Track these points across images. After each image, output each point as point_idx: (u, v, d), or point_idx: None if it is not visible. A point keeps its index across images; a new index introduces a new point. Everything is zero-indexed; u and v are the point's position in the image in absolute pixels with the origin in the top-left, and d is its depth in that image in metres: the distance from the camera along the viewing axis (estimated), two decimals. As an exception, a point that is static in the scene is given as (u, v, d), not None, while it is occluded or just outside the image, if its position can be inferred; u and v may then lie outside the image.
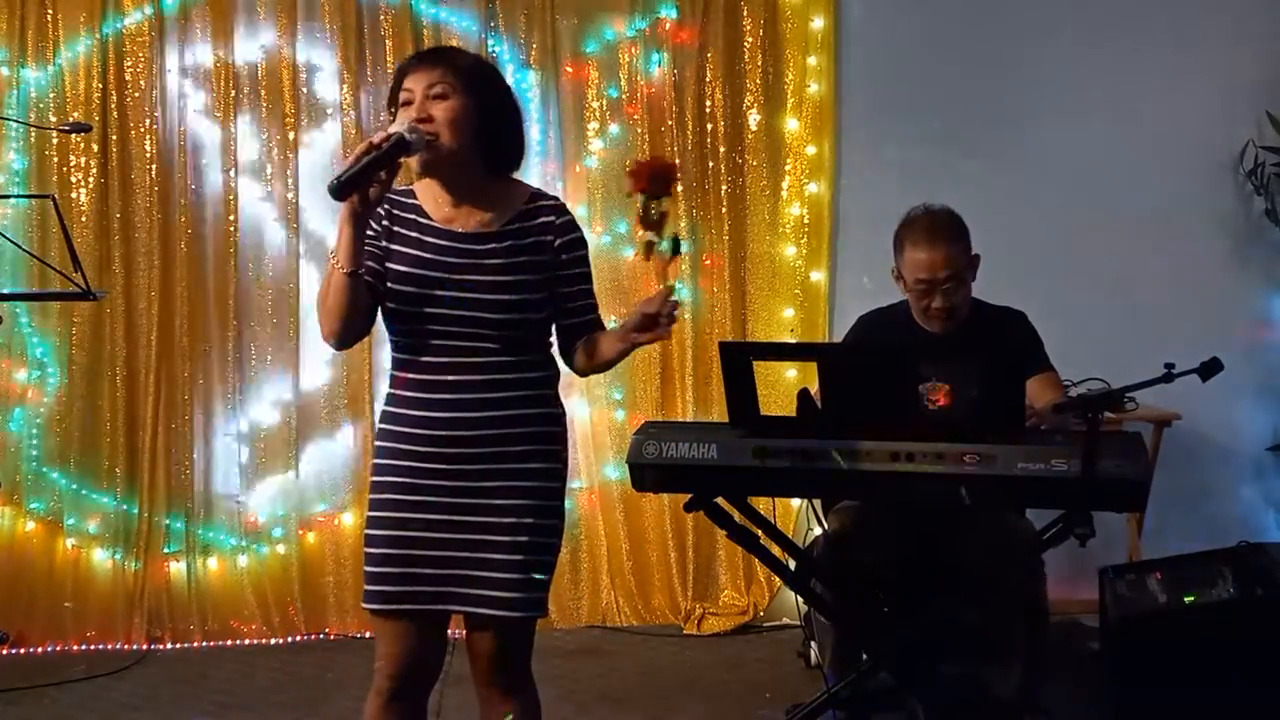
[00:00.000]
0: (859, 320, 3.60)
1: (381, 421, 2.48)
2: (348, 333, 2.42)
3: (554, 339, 2.55)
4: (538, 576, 2.43)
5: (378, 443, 2.48)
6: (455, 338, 2.39)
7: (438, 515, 2.40)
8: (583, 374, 2.59)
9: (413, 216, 2.45)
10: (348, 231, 2.31)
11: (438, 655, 2.52)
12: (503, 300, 2.39)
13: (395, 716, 2.48)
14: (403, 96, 2.39)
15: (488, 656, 2.46)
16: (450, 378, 2.39)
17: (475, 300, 2.38)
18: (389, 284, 2.42)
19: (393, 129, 2.31)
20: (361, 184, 2.27)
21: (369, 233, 2.40)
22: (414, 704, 2.52)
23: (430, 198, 2.47)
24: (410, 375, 2.42)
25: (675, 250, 2.39)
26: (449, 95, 2.36)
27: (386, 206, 2.45)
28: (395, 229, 2.44)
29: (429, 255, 2.40)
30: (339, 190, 2.25)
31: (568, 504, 4.83)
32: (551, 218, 2.46)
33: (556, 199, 2.53)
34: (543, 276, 2.44)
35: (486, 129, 2.40)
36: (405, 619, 2.43)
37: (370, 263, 2.41)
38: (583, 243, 2.52)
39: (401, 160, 2.32)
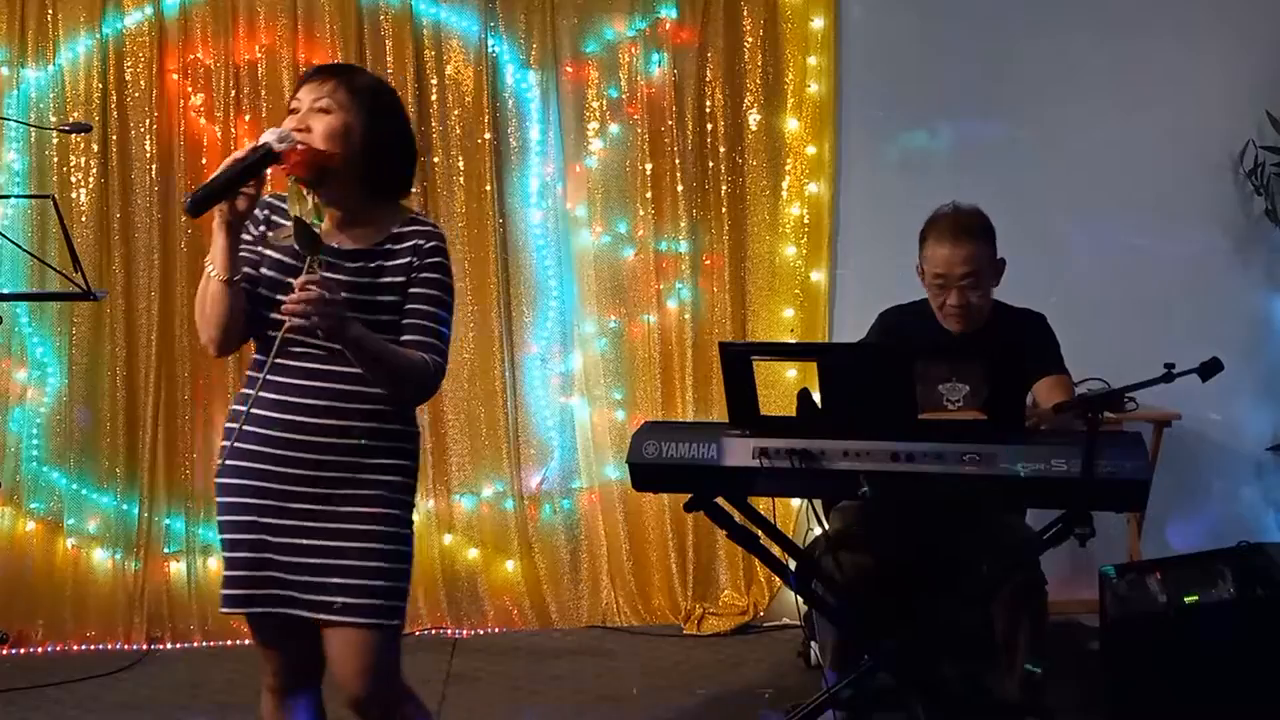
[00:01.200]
0: (880, 315, 3.59)
1: (231, 422, 2.46)
2: (227, 340, 2.41)
3: None
4: (392, 584, 2.42)
5: (225, 442, 2.45)
6: (312, 347, 2.38)
7: (287, 520, 2.39)
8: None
9: (287, 221, 2.42)
10: (220, 240, 2.31)
11: (311, 652, 2.49)
12: (371, 320, 2.37)
13: (287, 713, 2.54)
14: (292, 105, 2.43)
15: (349, 673, 2.42)
16: (307, 383, 2.39)
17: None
18: (258, 287, 2.42)
19: (261, 139, 2.31)
20: (225, 197, 2.27)
21: (245, 238, 2.41)
22: (307, 698, 2.55)
23: None
24: (267, 377, 2.38)
25: (308, 243, 2.28)
26: (332, 111, 2.38)
27: (266, 212, 2.47)
28: (271, 234, 2.43)
29: (295, 263, 2.36)
30: (193, 207, 2.26)
31: (567, 503, 4.88)
32: (420, 241, 2.44)
33: (433, 225, 2.51)
34: (399, 298, 2.42)
35: (368, 151, 2.40)
36: (264, 621, 2.45)
37: (247, 269, 2.41)
38: (442, 269, 2.47)
39: (268, 169, 2.32)
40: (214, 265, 2.33)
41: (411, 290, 2.43)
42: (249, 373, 2.48)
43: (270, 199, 2.49)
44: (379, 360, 2.36)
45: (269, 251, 2.44)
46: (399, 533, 2.44)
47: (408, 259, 2.43)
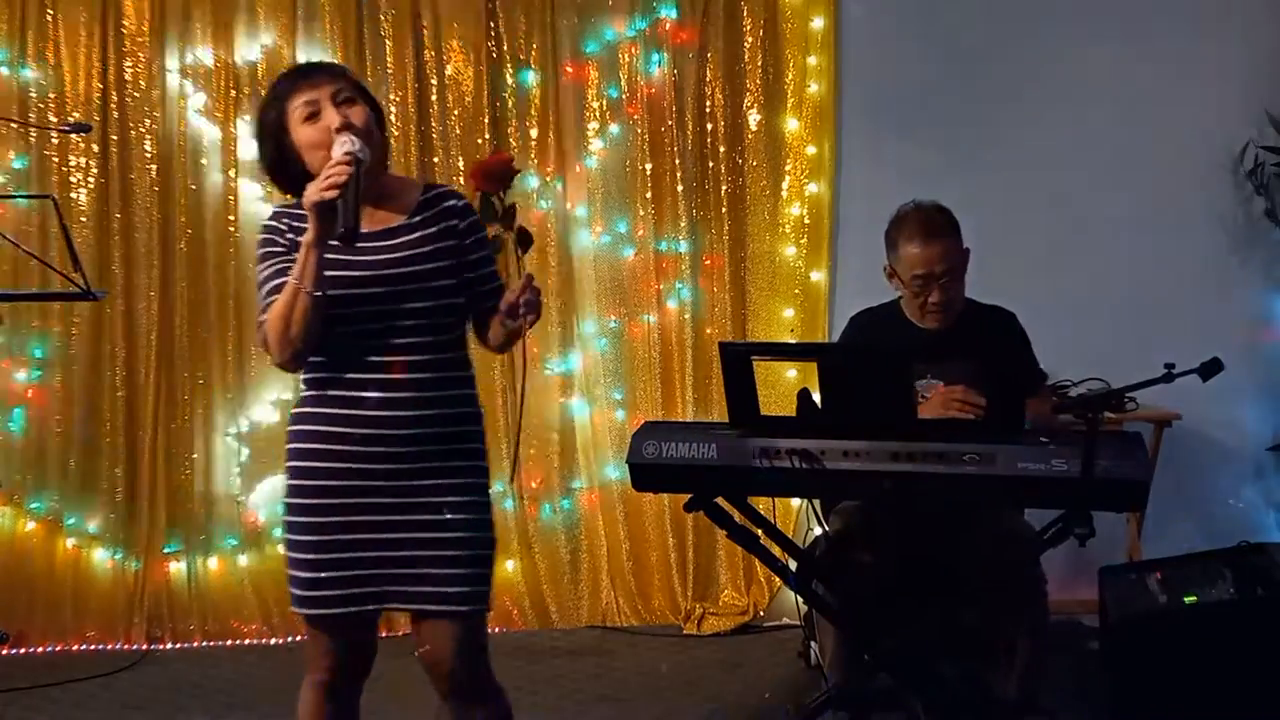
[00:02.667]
0: (851, 320, 3.61)
1: (299, 423, 2.48)
2: (309, 353, 2.42)
3: (470, 336, 2.58)
4: (481, 571, 2.47)
5: (295, 445, 2.47)
6: (375, 336, 2.40)
7: (370, 516, 2.40)
8: (495, 351, 2.64)
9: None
10: (313, 256, 2.32)
11: (372, 649, 2.56)
12: (422, 289, 2.41)
13: (335, 706, 2.54)
14: (305, 110, 2.39)
15: (447, 658, 2.46)
16: (380, 376, 2.40)
17: (395, 293, 2.40)
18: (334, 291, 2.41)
19: (344, 150, 2.31)
20: (359, 215, 2.30)
21: (276, 250, 2.44)
22: (351, 691, 2.57)
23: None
24: (333, 375, 2.42)
25: (523, 245, 2.40)
26: (356, 100, 2.41)
27: (286, 221, 2.47)
28: (299, 241, 2.39)
29: (342, 257, 2.37)
30: (357, 234, 2.28)
31: (567, 503, 4.88)
32: (453, 202, 2.50)
33: (450, 187, 2.57)
34: (455, 261, 2.46)
35: (380, 126, 2.48)
36: (345, 621, 2.45)
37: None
38: (482, 228, 2.55)
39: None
40: (304, 281, 2.32)
41: (471, 256, 2.50)
42: (311, 375, 2.46)
43: (279, 208, 2.51)
44: (515, 336, 2.49)
45: (329, 255, 2.40)
46: (485, 519, 2.50)
47: (451, 221, 2.48)
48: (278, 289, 2.37)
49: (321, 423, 2.43)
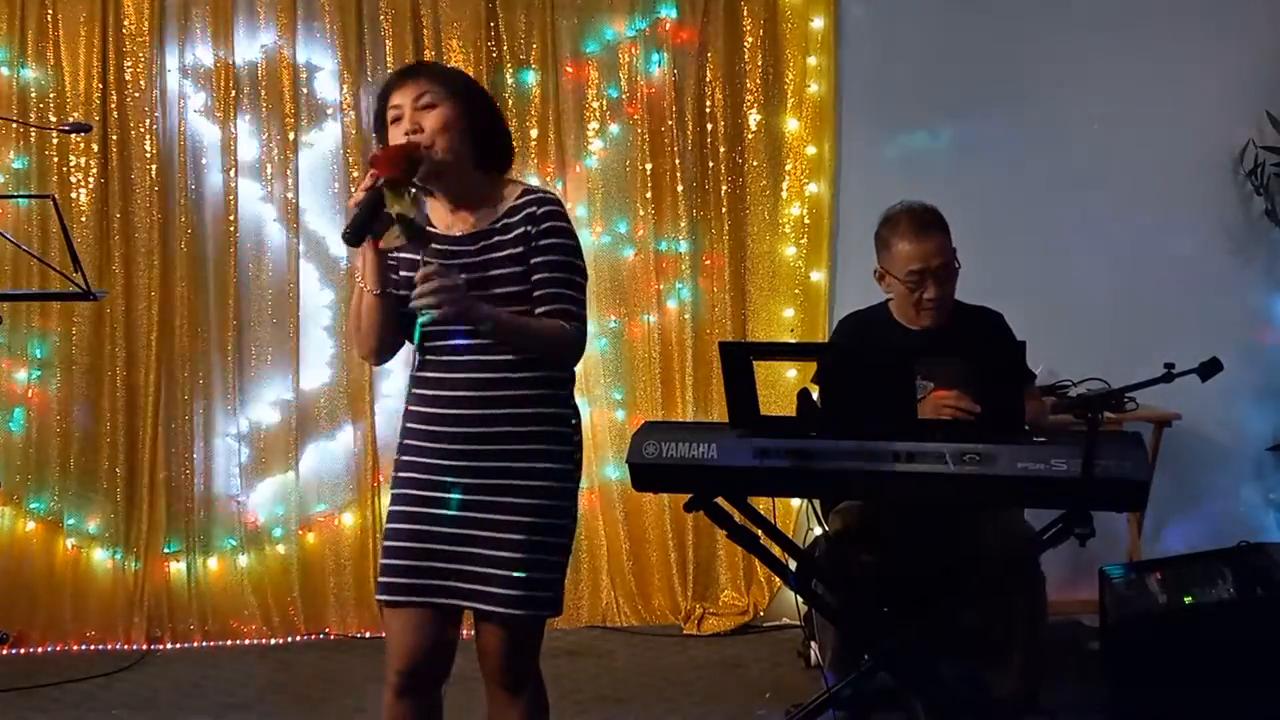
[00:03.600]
0: (841, 321, 3.62)
1: (405, 420, 2.54)
2: (384, 349, 2.52)
3: None
4: (543, 575, 2.46)
5: (401, 440, 2.54)
6: (461, 336, 2.42)
7: (449, 511, 2.45)
8: None
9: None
10: (369, 256, 2.41)
11: (447, 649, 2.54)
12: (495, 294, 2.43)
13: (408, 711, 2.52)
14: (391, 114, 2.46)
15: (493, 654, 2.50)
16: (459, 375, 2.44)
17: (479, 296, 2.42)
18: (399, 290, 2.48)
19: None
20: (373, 222, 2.35)
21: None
22: (426, 699, 2.55)
23: (436, 206, 2.53)
24: (425, 375, 2.48)
25: (409, 236, 2.33)
26: (436, 103, 2.43)
27: None
28: (380, 243, 2.46)
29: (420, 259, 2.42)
30: (354, 238, 2.35)
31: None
32: (534, 209, 2.47)
33: (549, 193, 2.55)
34: (523, 268, 2.46)
35: (474, 131, 2.47)
36: (412, 612, 2.47)
37: (390, 274, 2.48)
38: (561, 233, 2.48)
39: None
40: (365, 280, 2.43)
41: (535, 260, 2.45)
42: (415, 374, 2.51)
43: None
44: (521, 333, 2.43)
45: (404, 254, 2.48)
46: (556, 523, 2.50)
47: (524, 229, 2.46)
48: None
49: (410, 419, 2.52)
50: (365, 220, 2.34)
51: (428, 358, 2.46)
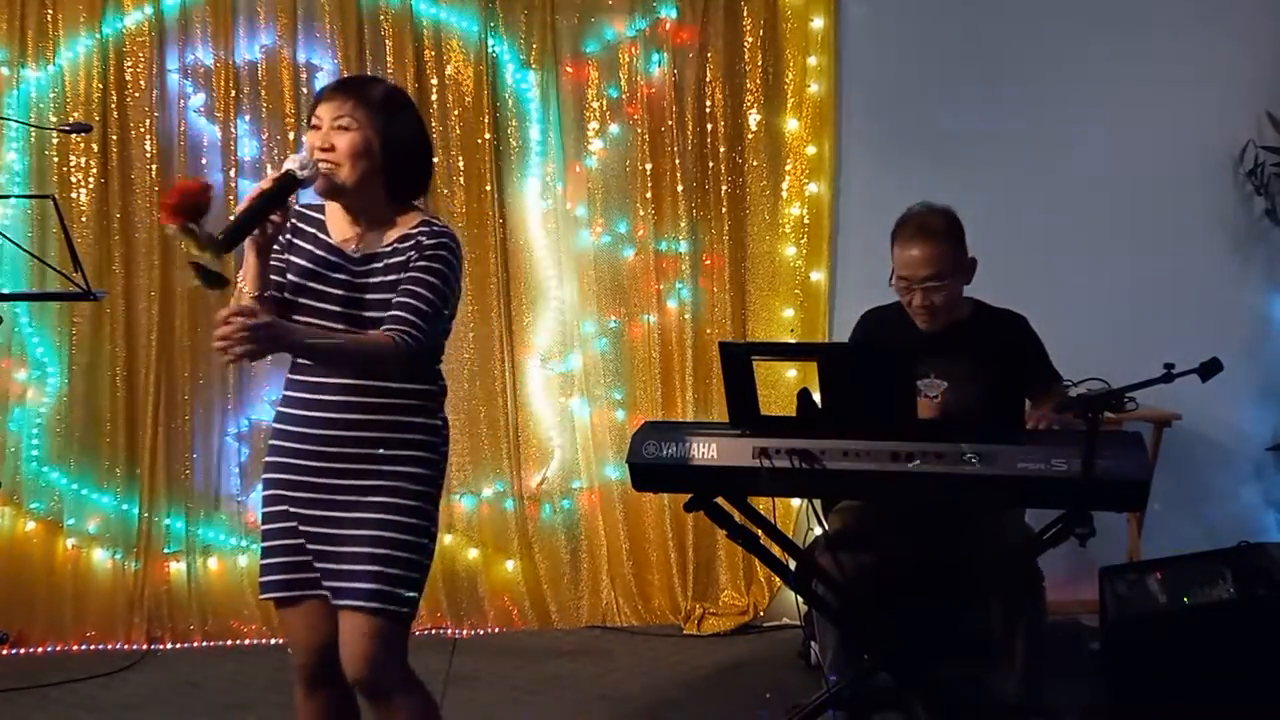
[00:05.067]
0: (862, 316, 3.61)
1: (275, 421, 2.62)
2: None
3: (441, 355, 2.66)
4: (395, 572, 2.49)
5: (270, 441, 2.61)
6: None
7: (316, 511, 2.52)
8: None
9: (314, 231, 2.59)
10: (251, 259, 2.47)
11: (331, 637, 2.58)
12: (367, 316, 2.49)
13: (318, 704, 2.63)
14: (313, 121, 2.53)
15: (346, 652, 2.50)
16: (323, 380, 2.52)
17: (354, 315, 2.50)
18: (285, 293, 2.55)
19: (285, 166, 2.45)
20: (254, 227, 2.41)
21: (274, 246, 2.53)
22: (338, 689, 2.60)
23: (335, 216, 2.60)
24: (297, 377, 2.57)
25: (204, 280, 2.37)
26: (352, 128, 2.48)
27: (293, 220, 2.59)
28: (295, 241, 2.58)
29: (318, 270, 2.53)
30: (225, 245, 2.36)
31: (567, 503, 4.88)
32: (424, 239, 2.52)
33: (446, 229, 2.58)
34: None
35: (388, 161, 2.52)
36: (298, 607, 2.57)
37: (276, 277, 2.55)
38: (439, 260, 2.52)
39: (295, 194, 2.48)
40: (245, 281, 2.48)
41: (402, 274, 2.50)
42: (287, 375, 2.61)
43: (301, 209, 2.62)
44: (336, 356, 2.48)
45: (295, 259, 2.57)
46: (416, 524, 2.53)
47: (407, 256, 2.51)
48: None
49: (283, 421, 2.58)
50: (246, 227, 2.39)
51: (300, 362, 2.55)
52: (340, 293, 2.51)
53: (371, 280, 2.51)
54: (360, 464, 2.50)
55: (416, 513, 2.54)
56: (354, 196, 2.53)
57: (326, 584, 2.51)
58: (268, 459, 2.60)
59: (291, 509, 2.53)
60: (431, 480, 2.58)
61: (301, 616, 2.57)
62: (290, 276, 2.55)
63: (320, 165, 2.47)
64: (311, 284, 2.52)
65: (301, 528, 2.53)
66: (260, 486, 2.63)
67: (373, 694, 2.54)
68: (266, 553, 2.58)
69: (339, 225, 2.59)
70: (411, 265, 2.50)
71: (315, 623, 2.56)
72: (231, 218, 2.41)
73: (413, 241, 2.52)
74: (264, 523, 2.59)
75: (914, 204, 3.44)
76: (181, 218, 2.32)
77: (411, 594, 2.52)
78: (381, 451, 2.51)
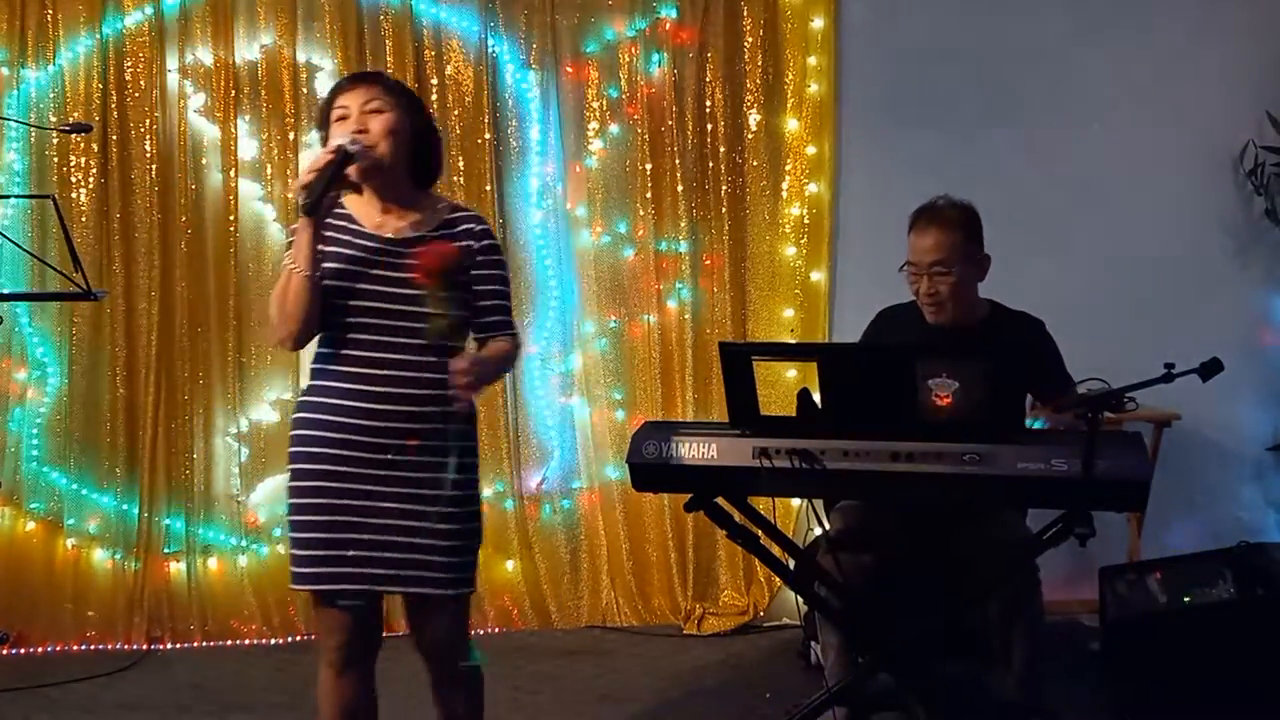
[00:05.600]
0: (878, 314, 3.60)
1: (302, 411, 2.63)
2: (305, 334, 2.59)
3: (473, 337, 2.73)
4: (467, 558, 2.64)
5: (297, 432, 2.63)
6: (382, 333, 2.56)
7: (366, 502, 2.55)
8: None
9: (343, 222, 2.64)
10: (305, 238, 2.51)
11: (379, 624, 2.72)
12: (424, 296, 2.53)
13: (349, 684, 2.67)
14: (337, 113, 2.60)
15: (433, 636, 2.65)
16: (377, 372, 2.55)
17: (404, 296, 2.55)
18: (324, 280, 2.58)
19: (334, 142, 2.52)
20: (325, 196, 2.50)
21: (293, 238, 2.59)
22: (365, 670, 2.70)
23: (359, 205, 2.67)
24: (337, 368, 2.58)
25: (445, 335, 2.53)
26: (384, 110, 2.59)
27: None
28: (326, 233, 2.60)
29: (363, 255, 2.58)
30: (314, 207, 2.47)
31: (567, 504, 4.87)
32: (472, 225, 2.67)
33: (477, 212, 2.76)
34: (463, 279, 2.60)
35: (414, 143, 2.64)
36: (340, 600, 2.60)
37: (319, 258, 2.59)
38: (498, 252, 2.72)
39: (347, 171, 2.55)
40: (297, 263, 2.51)
41: (477, 273, 2.64)
42: (315, 365, 2.63)
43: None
44: (499, 374, 2.78)
45: (330, 249, 2.60)
46: (473, 510, 2.66)
47: (467, 243, 2.63)
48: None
49: (324, 411, 2.58)
50: (325, 191, 2.46)
51: (345, 353, 2.56)
52: (390, 274, 2.56)
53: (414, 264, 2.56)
54: (419, 455, 2.55)
55: (474, 499, 2.66)
56: (386, 178, 2.60)
57: (394, 573, 2.56)
58: (303, 449, 2.60)
59: (339, 500, 2.55)
60: (476, 465, 2.70)
61: (356, 606, 2.61)
62: (329, 265, 2.58)
63: (362, 145, 2.53)
64: (359, 269, 2.57)
65: (354, 519, 2.55)
66: (289, 478, 2.63)
67: (452, 671, 2.68)
68: (306, 544, 2.59)
69: (367, 213, 2.64)
70: (481, 260, 2.64)
71: (360, 609, 2.62)
72: (302, 193, 2.47)
73: (462, 229, 2.64)
74: (300, 514, 2.60)
75: (935, 196, 3.44)
76: (437, 280, 2.49)
77: (474, 574, 2.67)
78: (436, 441, 2.56)
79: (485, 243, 2.67)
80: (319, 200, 2.47)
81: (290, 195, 2.53)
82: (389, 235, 2.60)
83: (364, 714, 2.73)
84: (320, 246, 2.57)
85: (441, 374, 2.52)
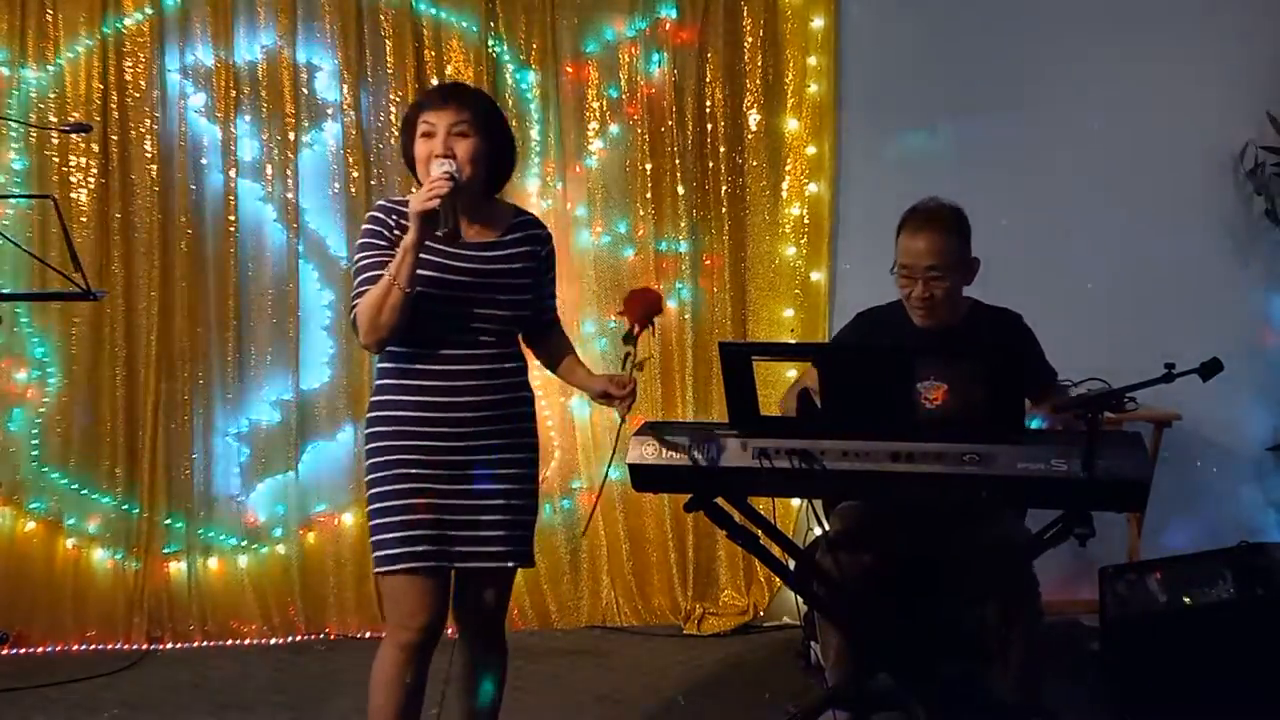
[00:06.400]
0: (857, 315, 3.59)
1: (384, 409, 2.78)
2: (393, 340, 2.73)
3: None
4: (525, 533, 2.86)
5: (381, 428, 2.78)
6: (462, 331, 2.74)
7: (451, 485, 2.74)
8: (544, 365, 3.05)
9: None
10: (410, 258, 2.63)
11: (448, 607, 2.84)
12: (510, 299, 2.78)
13: (416, 668, 2.76)
14: (424, 128, 2.74)
15: (489, 606, 2.88)
16: (458, 367, 2.74)
17: (486, 299, 2.75)
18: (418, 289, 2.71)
19: (441, 169, 2.65)
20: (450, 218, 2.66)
21: (380, 241, 2.75)
22: (428, 655, 2.79)
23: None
24: (419, 366, 2.74)
25: (637, 367, 2.83)
26: (469, 134, 2.73)
27: (395, 217, 2.77)
28: (400, 236, 2.71)
29: (445, 262, 2.72)
30: (456, 233, 2.64)
31: (567, 503, 4.88)
32: (539, 230, 2.90)
33: (536, 217, 2.95)
34: (532, 280, 2.84)
35: (493, 163, 2.80)
36: (429, 577, 2.73)
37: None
38: (554, 255, 2.96)
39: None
40: (399, 279, 2.63)
41: (545, 275, 2.90)
42: (393, 365, 2.77)
43: (388, 202, 2.81)
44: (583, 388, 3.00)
45: (427, 256, 2.71)
46: (533, 489, 2.89)
47: (532, 248, 2.85)
48: (374, 279, 2.67)
49: (408, 404, 2.74)
50: (455, 222, 2.63)
51: (436, 346, 2.73)
52: (469, 280, 2.73)
53: (496, 266, 2.77)
54: (494, 439, 2.76)
55: (535, 479, 2.89)
56: (469, 197, 2.75)
57: (473, 549, 2.75)
58: (389, 429, 2.74)
59: (428, 485, 2.71)
60: (538, 445, 2.92)
61: (440, 583, 2.75)
62: (424, 272, 2.69)
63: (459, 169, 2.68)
64: (440, 275, 2.70)
65: (441, 501, 2.72)
66: (373, 469, 2.76)
67: (498, 639, 2.94)
68: (407, 525, 2.71)
69: None
70: (546, 265, 2.89)
71: (444, 591, 2.77)
72: (430, 219, 2.60)
73: (528, 233, 2.85)
74: (393, 499, 2.72)
75: (924, 197, 3.43)
76: (645, 324, 2.84)
77: (532, 547, 2.91)
78: (512, 426, 2.80)
79: (549, 248, 2.90)
80: (457, 225, 2.62)
81: (412, 214, 2.63)
82: (468, 240, 2.75)
83: (420, 699, 2.80)
84: (426, 255, 2.70)
85: (510, 363, 2.80)
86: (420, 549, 2.71)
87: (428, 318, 2.71)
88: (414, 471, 2.72)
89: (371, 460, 2.78)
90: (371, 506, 2.77)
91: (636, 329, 2.83)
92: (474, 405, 2.74)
